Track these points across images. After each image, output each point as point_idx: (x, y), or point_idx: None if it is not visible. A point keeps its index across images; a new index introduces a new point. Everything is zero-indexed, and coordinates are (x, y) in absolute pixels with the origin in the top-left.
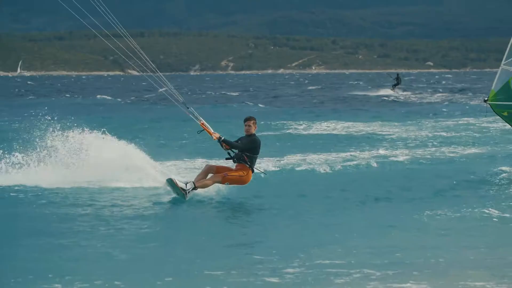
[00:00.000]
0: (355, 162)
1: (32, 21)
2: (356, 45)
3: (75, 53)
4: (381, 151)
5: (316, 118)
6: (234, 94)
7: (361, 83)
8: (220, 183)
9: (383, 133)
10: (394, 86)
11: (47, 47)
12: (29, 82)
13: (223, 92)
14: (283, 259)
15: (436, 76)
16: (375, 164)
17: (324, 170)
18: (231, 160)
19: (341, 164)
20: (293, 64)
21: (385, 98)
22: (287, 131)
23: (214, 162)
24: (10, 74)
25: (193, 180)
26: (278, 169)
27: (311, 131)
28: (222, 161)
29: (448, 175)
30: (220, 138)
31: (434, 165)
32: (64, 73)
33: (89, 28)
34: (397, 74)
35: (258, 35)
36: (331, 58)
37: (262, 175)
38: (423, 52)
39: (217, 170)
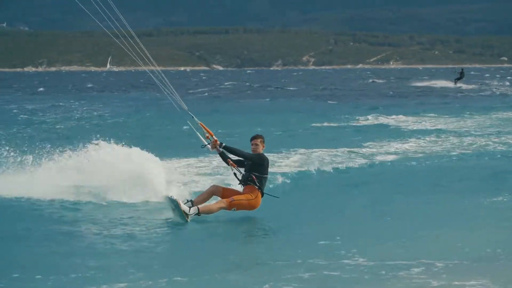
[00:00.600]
0: (408, 155)
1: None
2: (432, 41)
3: (162, 49)
4: (437, 143)
5: (373, 111)
6: (296, 88)
7: (426, 77)
8: (226, 210)
9: (439, 126)
10: (456, 80)
11: (135, 43)
12: (111, 78)
13: (289, 88)
14: (341, 250)
15: (501, 71)
16: (428, 156)
17: (373, 162)
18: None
19: (395, 155)
20: (372, 60)
21: (444, 91)
22: (342, 124)
23: (222, 184)
24: (100, 69)
25: (194, 198)
26: (327, 164)
27: (366, 123)
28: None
29: (506, 167)
30: (221, 144)
31: (488, 158)
32: (152, 68)
33: (177, 25)
34: (462, 69)
35: (338, 31)
36: (408, 54)
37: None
38: (497, 48)
39: (223, 192)
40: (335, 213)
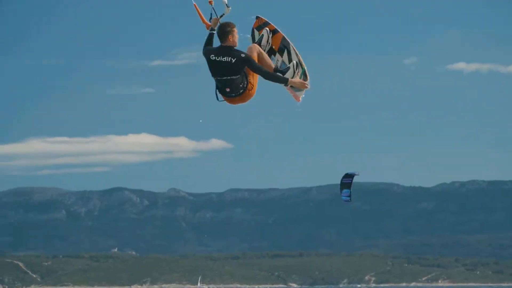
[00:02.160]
0: None
1: (212, 244)
2: (475, 263)
3: (247, 270)
4: None
5: None
6: None
7: None
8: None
9: None
10: None
11: (225, 265)
12: None
13: None
14: None
15: None
16: None
17: None
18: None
19: None
20: (423, 278)
21: None
22: None
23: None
24: (193, 287)
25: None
26: None
27: None
28: None
29: None
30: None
31: None
32: (238, 285)
33: (259, 250)
34: None
35: (395, 255)
36: (454, 274)
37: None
38: None
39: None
40: None
